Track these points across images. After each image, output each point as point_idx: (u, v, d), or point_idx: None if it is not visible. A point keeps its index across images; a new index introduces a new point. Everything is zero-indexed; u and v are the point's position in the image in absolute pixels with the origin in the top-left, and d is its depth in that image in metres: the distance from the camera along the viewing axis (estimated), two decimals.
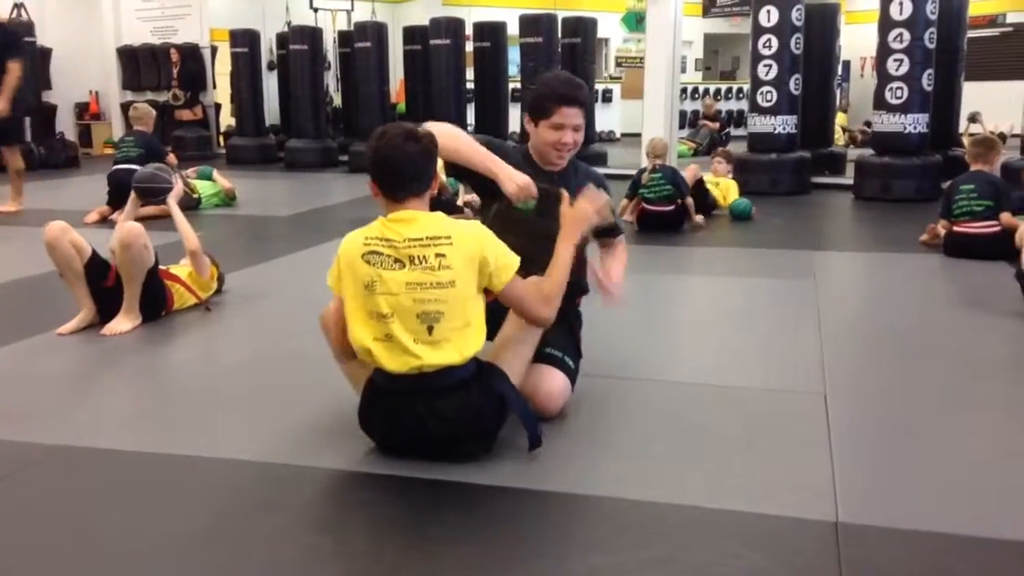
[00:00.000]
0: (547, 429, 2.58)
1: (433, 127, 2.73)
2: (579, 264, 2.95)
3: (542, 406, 2.65)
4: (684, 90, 15.70)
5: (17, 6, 11.59)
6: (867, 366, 3.41)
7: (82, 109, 13.98)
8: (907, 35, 7.90)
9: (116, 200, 6.76)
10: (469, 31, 11.53)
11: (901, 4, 7.88)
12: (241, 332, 3.99)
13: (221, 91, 13.79)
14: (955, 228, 5.41)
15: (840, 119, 12.31)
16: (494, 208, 2.81)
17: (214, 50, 13.49)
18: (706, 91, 17.41)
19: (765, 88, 8.65)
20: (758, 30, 8.64)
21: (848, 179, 8.82)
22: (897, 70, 7.98)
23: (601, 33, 13.60)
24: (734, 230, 6.70)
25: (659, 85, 9.70)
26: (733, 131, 15.17)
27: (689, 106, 16.34)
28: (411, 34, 12.17)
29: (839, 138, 12.55)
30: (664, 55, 9.68)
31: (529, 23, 10.73)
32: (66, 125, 13.46)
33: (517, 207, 2.72)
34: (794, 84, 8.65)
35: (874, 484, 2.33)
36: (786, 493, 2.23)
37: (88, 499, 2.31)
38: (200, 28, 13.44)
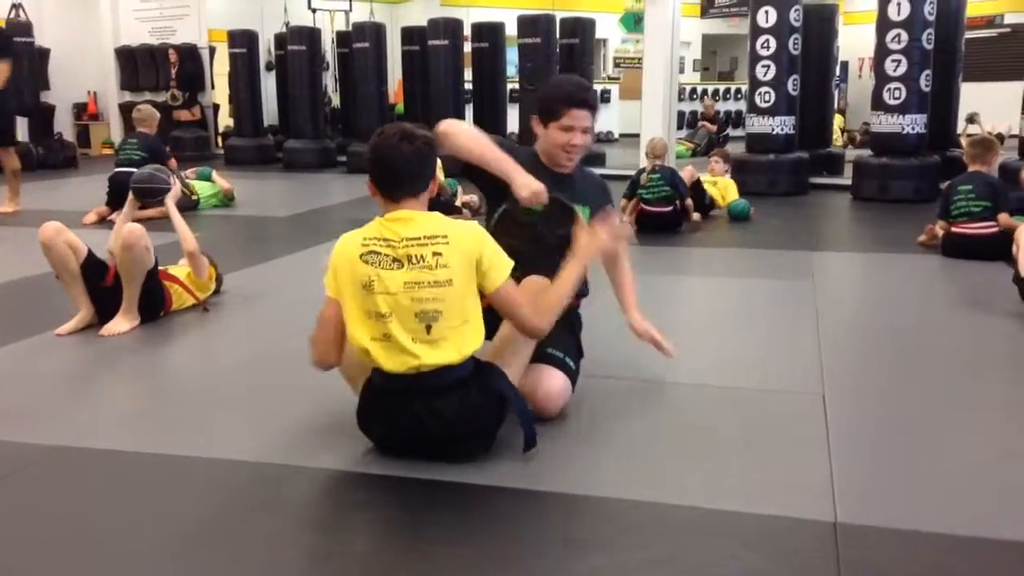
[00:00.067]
0: (546, 429, 2.58)
1: (450, 126, 2.76)
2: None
3: (541, 406, 2.65)
4: (682, 91, 15.71)
5: (15, 6, 11.58)
6: (865, 366, 3.41)
7: (80, 109, 13.97)
8: (905, 36, 7.91)
9: (116, 201, 6.75)
10: (467, 32, 11.53)
11: (899, 5, 7.89)
12: (239, 333, 3.99)
13: (219, 92, 13.78)
14: (953, 229, 5.41)
15: (836, 121, 12.31)
16: (500, 209, 2.81)
17: (212, 50, 13.48)
18: (704, 91, 17.42)
19: (763, 89, 8.65)
20: (756, 31, 8.64)
21: (846, 180, 8.82)
22: (895, 71, 7.98)
23: (599, 34, 13.59)
24: (732, 231, 6.70)
25: (657, 86, 9.71)
26: (731, 132, 15.18)
27: (687, 107, 16.35)
28: (409, 35, 12.16)
29: (837, 139, 12.56)
30: (662, 56, 9.69)
31: (527, 24, 10.73)
32: (64, 125, 13.45)
33: (525, 210, 2.72)
34: (792, 85, 8.66)
35: (872, 484, 2.33)
36: (785, 493, 2.24)
37: (86, 499, 2.31)
38: (198, 28, 13.43)
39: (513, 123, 11.57)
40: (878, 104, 8.17)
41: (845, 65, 15.75)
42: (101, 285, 3.86)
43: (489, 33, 11.43)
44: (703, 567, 1.91)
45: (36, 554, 2.02)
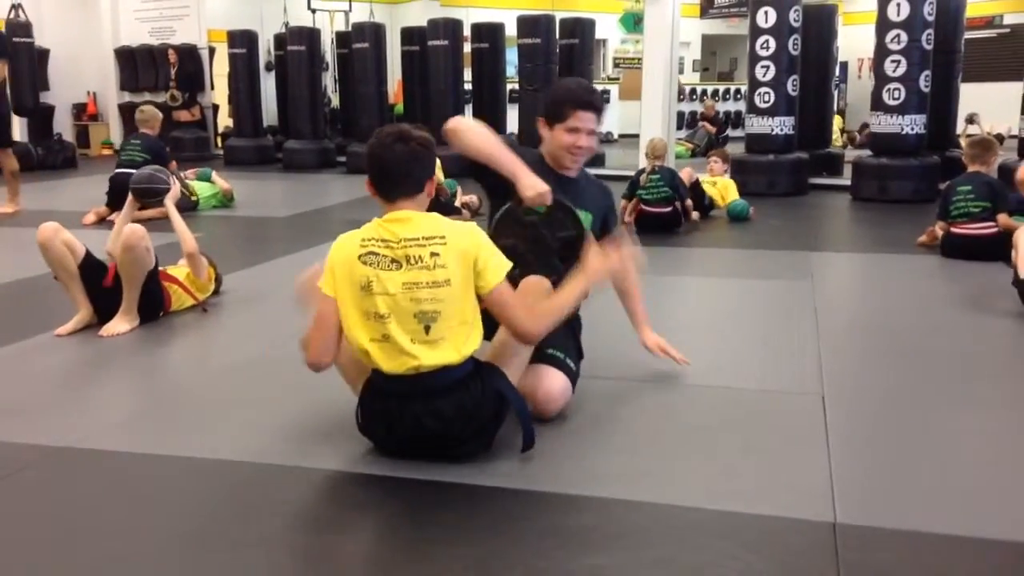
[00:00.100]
0: (546, 430, 2.58)
1: (459, 123, 2.78)
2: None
3: (541, 406, 2.65)
4: (682, 91, 15.72)
5: (14, 6, 11.57)
6: (864, 367, 3.41)
7: (80, 110, 13.97)
8: (904, 36, 7.91)
9: (115, 202, 6.74)
10: (467, 32, 11.53)
11: (899, 5, 7.90)
12: (238, 333, 3.99)
13: (219, 92, 13.78)
14: (952, 229, 5.41)
15: (836, 121, 12.32)
16: (503, 208, 2.82)
17: (212, 51, 13.49)
18: (704, 92, 17.43)
19: (763, 89, 8.66)
20: (756, 31, 8.64)
21: (846, 180, 8.83)
22: (895, 71, 7.99)
23: (599, 34, 13.60)
24: (731, 231, 6.71)
25: (657, 86, 9.71)
26: (731, 132, 15.18)
27: (686, 107, 16.35)
28: (409, 35, 12.16)
29: (837, 139, 12.56)
30: (662, 56, 9.69)
31: (527, 24, 10.74)
32: (64, 126, 13.45)
33: (527, 211, 2.73)
34: (792, 85, 8.66)
35: (872, 485, 2.33)
36: (784, 494, 2.24)
37: (85, 500, 2.31)
38: (198, 29, 13.43)
39: (513, 124, 11.57)
40: (877, 104, 8.17)
41: (845, 65, 15.76)
42: (100, 285, 3.86)
43: (489, 34, 11.43)
44: (703, 568, 1.91)
45: (35, 554, 2.02)
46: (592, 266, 2.60)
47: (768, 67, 8.60)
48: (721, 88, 18.03)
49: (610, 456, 2.50)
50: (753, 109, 8.81)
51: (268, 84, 13.41)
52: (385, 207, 2.39)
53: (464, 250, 2.32)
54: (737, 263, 5.65)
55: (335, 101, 13.96)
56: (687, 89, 16.78)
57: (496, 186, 2.80)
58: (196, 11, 13.41)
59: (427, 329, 2.31)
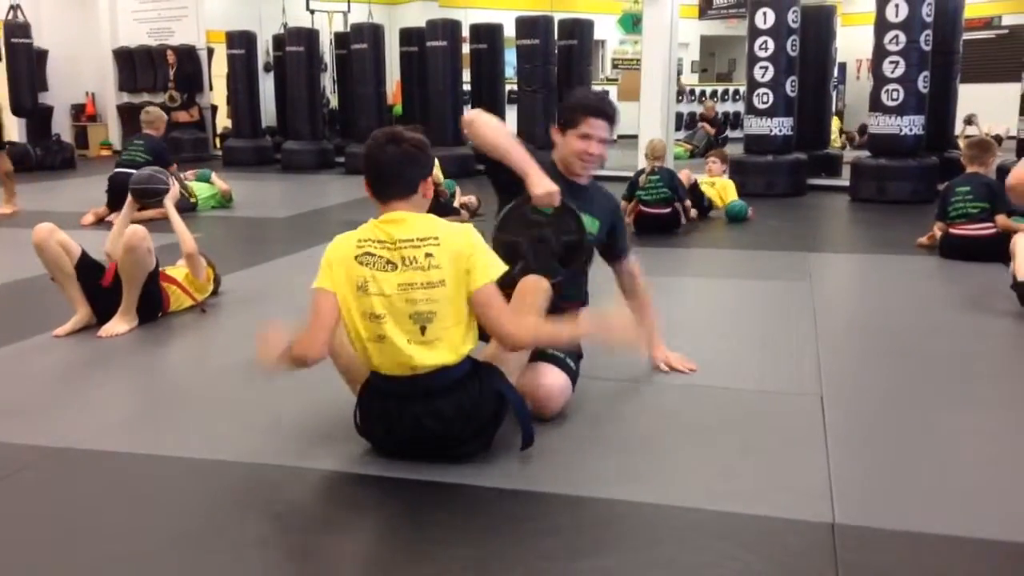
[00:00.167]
0: (545, 431, 2.58)
1: (477, 116, 2.81)
2: (582, 277, 3.01)
3: (542, 404, 2.65)
4: (682, 91, 15.73)
5: (13, 7, 11.57)
6: (863, 367, 3.41)
7: (78, 111, 13.97)
8: (903, 37, 7.91)
9: (115, 202, 6.74)
10: (466, 33, 11.54)
11: (897, 6, 7.90)
12: (237, 334, 3.98)
13: (217, 93, 13.78)
14: (951, 230, 5.42)
15: (834, 122, 12.33)
16: (511, 204, 2.83)
17: (210, 52, 13.49)
18: (702, 93, 17.43)
19: (761, 90, 8.66)
20: (754, 32, 8.65)
21: (844, 181, 8.83)
22: (893, 72, 7.99)
23: (597, 35, 13.60)
24: (730, 232, 6.71)
25: (656, 87, 9.72)
26: (730, 133, 15.18)
27: (685, 108, 16.35)
28: (408, 36, 12.16)
29: (835, 140, 12.56)
30: (660, 57, 9.69)
31: (526, 25, 10.74)
32: (62, 127, 13.45)
33: (534, 210, 2.75)
34: (790, 86, 8.66)
35: (870, 485, 2.33)
36: (782, 495, 2.24)
37: (84, 500, 2.31)
38: (196, 30, 13.43)
39: (512, 125, 11.56)
40: (876, 105, 8.18)
41: (843, 66, 15.76)
42: (98, 286, 3.86)
43: (487, 34, 11.44)
44: (702, 568, 1.91)
45: (35, 554, 2.02)
46: (596, 328, 2.56)
47: (767, 68, 8.60)
48: (720, 89, 18.04)
49: (610, 456, 2.50)
50: (752, 110, 8.81)
51: (267, 85, 13.41)
52: (380, 208, 2.40)
53: (457, 251, 2.32)
54: (736, 264, 5.65)
55: (334, 102, 13.96)
56: (686, 89, 16.78)
57: (508, 184, 2.81)
58: (195, 12, 13.41)
59: (423, 330, 2.32)
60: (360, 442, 2.51)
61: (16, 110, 11.84)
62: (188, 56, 13.23)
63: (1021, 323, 3.94)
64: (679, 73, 13.74)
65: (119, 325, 3.80)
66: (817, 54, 9.60)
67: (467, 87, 11.56)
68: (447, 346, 2.34)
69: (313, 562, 1.98)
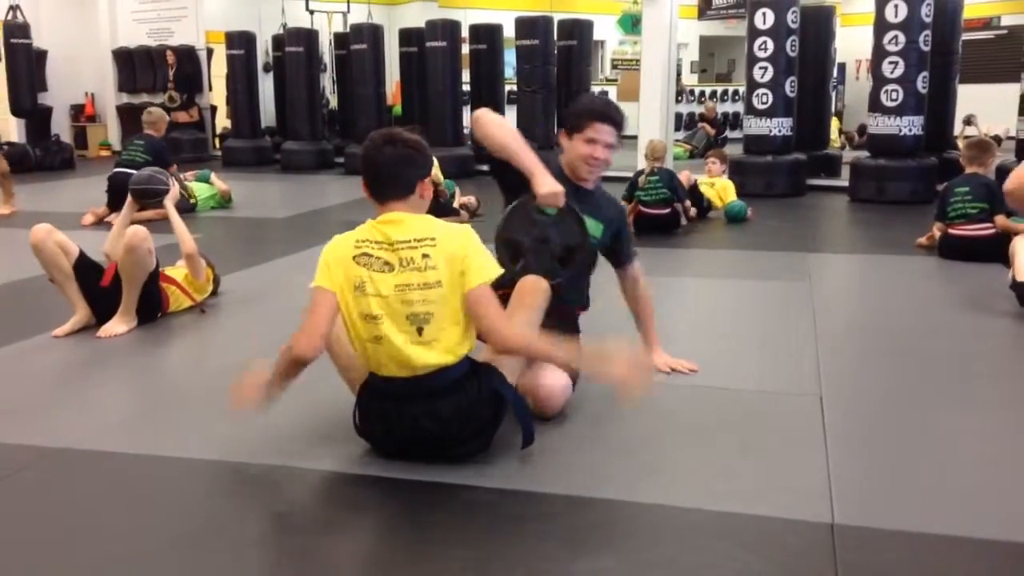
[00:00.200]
0: (546, 430, 2.59)
1: (485, 114, 2.83)
2: (584, 281, 3.02)
3: (543, 403, 2.65)
4: (682, 91, 15.73)
5: (13, 8, 11.57)
6: (862, 367, 3.41)
7: (78, 111, 13.96)
8: (902, 37, 7.92)
9: (115, 202, 6.73)
10: (465, 33, 11.53)
11: (896, 6, 7.90)
12: (236, 334, 3.99)
13: (217, 93, 13.78)
14: (950, 230, 5.42)
15: (833, 123, 12.33)
16: (517, 201, 2.84)
17: (210, 52, 13.48)
18: (701, 93, 17.44)
19: (761, 90, 8.66)
20: (754, 32, 8.65)
21: (843, 181, 8.83)
22: (892, 72, 7.99)
23: (597, 35, 13.60)
24: (729, 232, 6.71)
25: (655, 87, 9.72)
26: (729, 133, 15.19)
27: (684, 108, 16.36)
28: (407, 36, 12.15)
29: (835, 140, 12.56)
30: (660, 58, 9.69)
31: (525, 25, 10.74)
32: (61, 127, 13.44)
33: (538, 209, 2.76)
34: (790, 86, 8.66)
35: (870, 486, 2.33)
36: (782, 495, 2.24)
37: (84, 501, 2.31)
38: (196, 30, 13.42)
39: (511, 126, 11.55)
40: (875, 106, 8.18)
41: (843, 67, 15.77)
42: (97, 286, 3.86)
43: (487, 35, 11.43)
44: (702, 568, 1.91)
45: (34, 555, 2.02)
46: (600, 362, 2.46)
47: (766, 68, 8.60)
48: (719, 89, 18.04)
49: (610, 456, 2.50)
50: (751, 110, 8.81)
51: (266, 85, 13.40)
52: (378, 209, 2.40)
53: (453, 252, 2.32)
54: (735, 264, 5.65)
55: (333, 102, 13.95)
56: (687, 90, 16.79)
57: (515, 184, 2.82)
58: (194, 12, 13.41)
59: (420, 331, 2.32)
60: (360, 442, 2.51)
61: (15, 110, 11.84)
62: (187, 56, 13.23)
63: (1020, 323, 3.95)
64: (679, 74, 13.74)
65: (118, 326, 3.80)
66: (816, 54, 9.60)
67: (467, 87, 11.56)
68: (445, 347, 2.34)
69: (313, 562, 1.98)
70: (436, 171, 6.57)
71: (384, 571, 1.98)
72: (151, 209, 5.12)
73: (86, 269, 3.89)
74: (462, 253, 2.32)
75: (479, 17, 12.96)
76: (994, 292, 4.37)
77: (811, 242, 6.20)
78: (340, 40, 13.13)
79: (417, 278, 2.30)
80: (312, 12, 13.54)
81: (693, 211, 6.75)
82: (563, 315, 2.87)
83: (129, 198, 4.42)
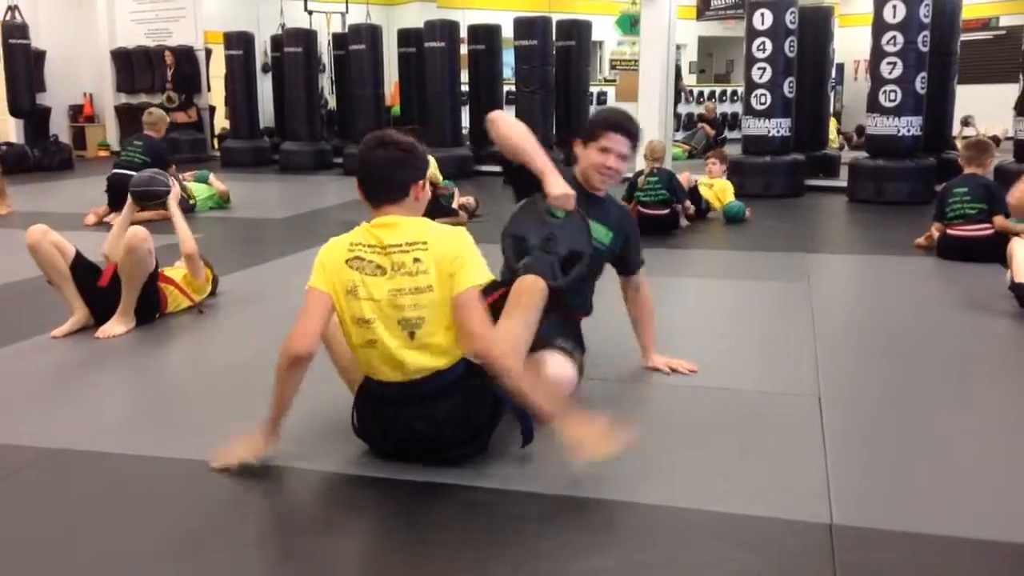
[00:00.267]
0: (545, 431, 2.58)
1: (500, 116, 2.86)
2: (588, 287, 3.04)
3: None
4: (681, 92, 15.73)
5: (11, 8, 11.56)
6: (861, 368, 3.42)
7: (76, 111, 13.96)
8: (900, 38, 7.92)
9: (116, 203, 6.73)
10: (464, 34, 11.53)
11: (895, 7, 7.91)
12: (235, 334, 3.99)
13: (215, 94, 13.77)
14: (948, 231, 5.43)
15: (832, 123, 12.34)
16: (528, 199, 2.85)
17: (208, 52, 13.47)
18: (700, 93, 17.44)
19: (759, 91, 8.67)
20: (752, 33, 8.66)
21: (842, 182, 8.84)
22: (890, 73, 8.00)
23: (596, 36, 13.59)
24: (728, 233, 6.71)
25: (654, 88, 9.72)
26: (728, 134, 15.19)
27: (683, 109, 16.36)
28: (406, 37, 12.16)
29: (833, 141, 12.57)
30: (658, 58, 9.70)
31: (524, 26, 10.74)
32: (60, 127, 13.43)
33: (548, 210, 2.78)
34: (788, 87, 8.67)
35: (868, 486, 2.34)
36: (780, 495, 2.24)
37: (83, 501, 2.31)
38: (194, 30, 13.42)
39: None
40: (874, 106, 8.18)
41: (841, 67, 15.77)
42: (95, 286, 3.86)
43: (486, 35, 11.43)
44: (701, 568, 1.91)
45: (34, 555, 2.02)
46: (577, 423, 2.32)
47: (764, 69, 8.61)
48: (718, 90, 18.05)
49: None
50: (749, 111, 8.82)
51: (265, 86, 13.39)
52: (373, 212, 2.39)
53: (443, 254, 2.30)
54: (734, 265, 5.66)
55: (332, 103, 13.95)
56: (686, 90, 16.79)
57: (527, 187, 2.83)
58: (192, 13, 13.40)
59: (412, 335, 2.31)
60: (358, 443, 2.51)
61: (14, 111, 11.83)
62: (186, 57, 13.23)
63: (1019, 323, 3.95)
64: (678, 75, 13.74)
65: (117, 326, 3.80)
66: (815, 55, 9.61)
67: (465, 88, 11.56)
68: (439, 350, 2.34)
69: (312, 563, 1.98)
70: (435, 171, 6.60)
71: (384, 571, 1.98)
72: (151, 210, 5.12)
73: (83, 269, 3.89)
74: (452, 255, 2.31)
75: (478, 17, 12.96)
76: (993, 292, 4.38)
77: (809, 242, 6.21)
78: (339, 40, 13.12)
79: (409, 282, 2.29)
80: (311, 12, 13.53)
81: (691, 209, 6.76)
82: (565, 320, 2.88)
83: (129, 200, 4.42)
